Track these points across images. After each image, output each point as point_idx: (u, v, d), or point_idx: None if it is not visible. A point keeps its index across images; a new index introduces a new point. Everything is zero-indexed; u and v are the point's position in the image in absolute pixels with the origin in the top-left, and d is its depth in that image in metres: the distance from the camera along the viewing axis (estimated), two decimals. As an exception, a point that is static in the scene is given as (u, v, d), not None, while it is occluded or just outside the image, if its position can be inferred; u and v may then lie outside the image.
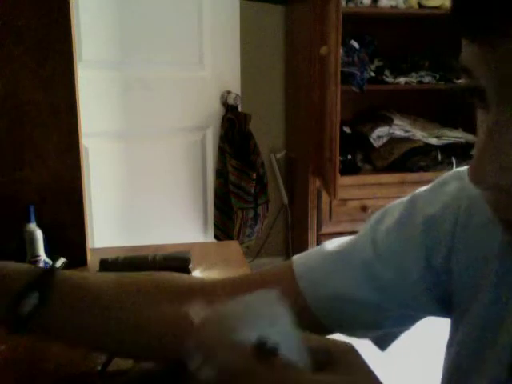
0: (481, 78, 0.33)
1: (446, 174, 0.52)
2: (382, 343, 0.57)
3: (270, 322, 0.32)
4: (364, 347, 0.49)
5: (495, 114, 0.32)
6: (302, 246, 2.60)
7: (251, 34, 2.64)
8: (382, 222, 0.53)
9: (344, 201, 2.55)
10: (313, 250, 0.57)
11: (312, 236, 2.64)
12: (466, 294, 0.48)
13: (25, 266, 0.57)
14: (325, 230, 2.61)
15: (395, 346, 0.57)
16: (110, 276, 0.59)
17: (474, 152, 0.34)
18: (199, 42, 2.13)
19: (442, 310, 0.51)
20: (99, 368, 0.63)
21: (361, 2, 2.48)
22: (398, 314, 0.53)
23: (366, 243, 0.53)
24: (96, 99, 1.90)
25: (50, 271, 0.55)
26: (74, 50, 1.00)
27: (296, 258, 0.57)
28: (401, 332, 0.56)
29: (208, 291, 0.58)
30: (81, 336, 0.56)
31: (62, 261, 0.58)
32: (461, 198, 0.49)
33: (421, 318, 0.54)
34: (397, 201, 0.55)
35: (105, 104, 1.97)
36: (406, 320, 0.54)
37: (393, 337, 0.57)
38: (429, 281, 0.50)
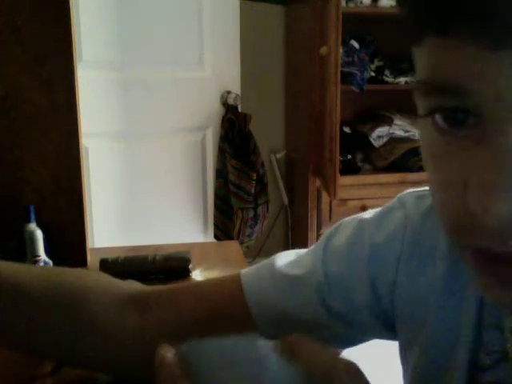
0: (483, 92, 0.26)
1: (392, 202, 0.52)
2: None
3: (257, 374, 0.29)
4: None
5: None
6: (301, 246, 2.59)
7: (251, 34, 2.63)
8: (332, 244, 0.53)
9: (344, 201, 2.55)
10: (262, 266, 0.55)
11: (312, 236, 2.64)
12: (410, 327, 0.48)
13: None
14: (325, 229, 2.61)
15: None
16: (43, 272, 0.58)
17: (474, 182, 0.28)
18: (199, 42, 2.13)
19: (390, 335, 0.51)
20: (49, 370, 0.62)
21: (361, 2, 2.48)
22: (347, 334, 0.53)
23: (318, 268, 0.52)
24: (96, 99, 1.90)
25: None
26: (74, 50, 1.00)
27: (244, 273, 0.55)
28: (345, 349, 0.57)
29: (140, 301, 0.56)
30: (17, 337, 0.54)
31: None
32: (405, 228, 0.49)
33: (369, 339, 0.55)
34: (348, 220, 0.54)
35: (105, 104, 1.97)
36: (354, 340, 0.55)
37: None
38: (375, 309, 0.50)
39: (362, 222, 0.52)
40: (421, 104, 0.30)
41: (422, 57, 0.29)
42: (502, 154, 0.26)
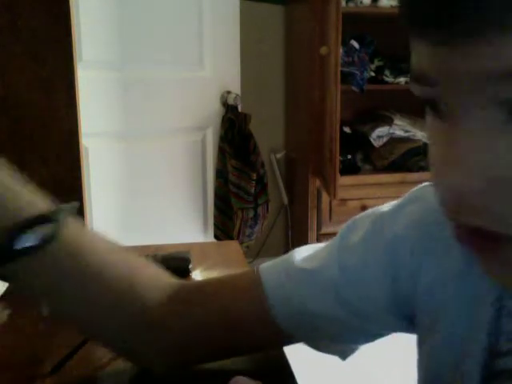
0: (447, 84, 0.29)
1: (409, 194, 0.52)
2: (344, 354, 0.57)
3: None
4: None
5: (476, 119, 0.29)
6: (301, 246, 2.60)
7: (251, 34, 2.64)
8: (348, 238, 0.53)
9: (344, 201, 2.55)
10: (281, 261, 0.56)
11: (312, 236, 2.64)
12: (428, 317, 0.48)
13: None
14: (325, 229, 2.61)
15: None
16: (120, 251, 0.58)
17: (438, 164, 0.31)
18: (199, 42, 2.13)
19: (408, 327, 0.52)
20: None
21: (361, 2, 2.48)
22: (365, 329, 0.53)
23: (333, 262, 0.52)
24: (96, 99, 1.90)
25: (64, 210, 0.50)
26: (74, 50, 1.00)
27: (263, 268, 0.56)
28: (361, 344, 0.57)
29: (183, 293, 0.57)
30: (69, 301, 0.53)
31: (75, 204, 0.50)
32: (421, 220, 0.49)
33: (388, 333, 0.55)
34: (363, 214, 0.55)
35: (105, 104, 1.97)
36: (373, 335, 0.55)
37: (355, 348, 0.58)
38: (393, 301, 0.50)
39: (378, 215, 0.53)
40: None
41: (412, 51, 0.33)
42: (456, 132, 0.30)
